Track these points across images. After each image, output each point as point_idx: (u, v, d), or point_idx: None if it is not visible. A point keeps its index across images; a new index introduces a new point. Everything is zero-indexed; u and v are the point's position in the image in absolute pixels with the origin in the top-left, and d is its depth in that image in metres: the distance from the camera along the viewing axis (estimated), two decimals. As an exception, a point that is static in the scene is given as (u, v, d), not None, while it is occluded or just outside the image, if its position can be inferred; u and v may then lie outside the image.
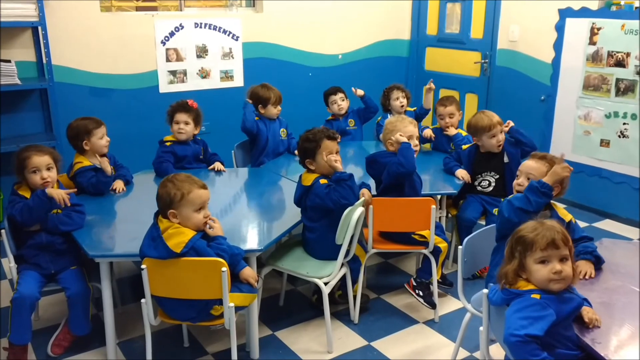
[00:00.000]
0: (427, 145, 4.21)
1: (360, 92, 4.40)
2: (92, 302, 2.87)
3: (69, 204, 2.77)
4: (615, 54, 4.37)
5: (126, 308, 3.26)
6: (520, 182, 2.56)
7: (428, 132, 4.11)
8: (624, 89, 4.36)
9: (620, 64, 4.35)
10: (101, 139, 3.28)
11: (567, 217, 2.45)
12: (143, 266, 2.36)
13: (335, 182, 2.83)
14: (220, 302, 2.41)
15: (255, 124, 3.95)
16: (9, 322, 2.64)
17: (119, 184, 3.34)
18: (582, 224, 4.48)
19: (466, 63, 5.45)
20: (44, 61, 4.14)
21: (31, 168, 2.76)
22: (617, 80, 4.39)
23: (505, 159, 3.53)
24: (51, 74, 4.10)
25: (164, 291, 2.42)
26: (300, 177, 2.98)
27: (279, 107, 4.05)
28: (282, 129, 4.11)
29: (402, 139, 3.05)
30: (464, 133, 3.98)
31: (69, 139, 3.29)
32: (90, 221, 2.88)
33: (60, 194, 2.74)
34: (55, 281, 2.80)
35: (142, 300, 2.43)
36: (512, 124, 3.56)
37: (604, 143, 4.56)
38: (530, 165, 2.56)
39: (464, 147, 3.73)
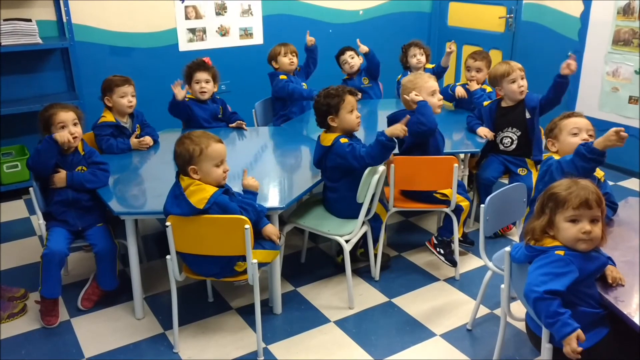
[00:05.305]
0: (450, 104, 4.14)
1: (364, 48, 4.30)
2: (119, 258, 2.94)
3: (72, 145, 2.80)
4: (647, 7, 4.22)
5: (152, 264, 3.34)
6: (586, 138, 2.44)
7: (460, 91, 4.00)
8: (656, 44, 4.22)
9: (652, 17, 4.20)
10: (122, 97, 3.28)
11: (600, 174, 2.42)
12: (167, 223, 2.39)
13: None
14: (243, 258, 2.45)
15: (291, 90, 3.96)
16: (39, 277, 2.73)
17: (148, 139, 3.37)
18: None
19: (490, 18, 5.30)
20: (64, 20, 4.13)
21: (58, 123, 2.79)
22: (649, 34, 4.24)
23: (527, 115, 3.47)
24: (72, 33, 4.10)
25: (189, 248, 2.47)
26: (319, 137, 2.95)
27: (290, 57, 4.01)
28: (303, 83, 4.11)
29: (418, 98, 3.00)
30: (489, 89, 3.89)
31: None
32: (115, 179, 2.93)
33: (64, 136, 2.75)
34: (83, 237, 2.86)
35: (167, 257, 2.48)
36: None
37: (633, 100, 4.44)
38: (587, 122, 2.47)
39: (485, 103, 3.66)
